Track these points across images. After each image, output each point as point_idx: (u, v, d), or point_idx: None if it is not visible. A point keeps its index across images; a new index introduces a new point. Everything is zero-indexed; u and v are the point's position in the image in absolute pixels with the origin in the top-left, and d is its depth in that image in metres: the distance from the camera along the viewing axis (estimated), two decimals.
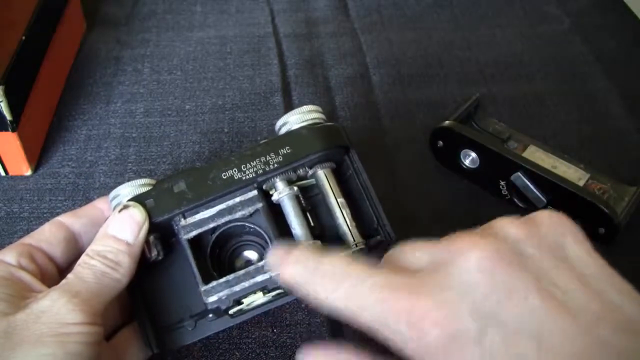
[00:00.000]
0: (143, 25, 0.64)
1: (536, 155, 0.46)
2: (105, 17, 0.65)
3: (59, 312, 0.29)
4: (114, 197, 0.35)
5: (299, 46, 0.62)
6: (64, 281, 0.31)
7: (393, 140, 0.52)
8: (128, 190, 0.35)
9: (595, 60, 0.61)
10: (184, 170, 0.34)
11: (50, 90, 0.53)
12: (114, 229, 0.33)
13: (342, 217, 0.34)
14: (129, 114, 0.54)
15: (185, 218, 0.34)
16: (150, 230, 0.33)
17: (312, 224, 0.34)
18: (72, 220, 0.36)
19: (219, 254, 0.36)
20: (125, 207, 0.33)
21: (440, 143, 0.49)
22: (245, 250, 0.36)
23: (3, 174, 0.49)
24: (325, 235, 0.35)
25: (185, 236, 0.33)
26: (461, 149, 0.48)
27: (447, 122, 0.48)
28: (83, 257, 0.32)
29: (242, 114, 0.55)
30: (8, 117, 0.44)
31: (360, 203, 0.35)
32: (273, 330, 0.40)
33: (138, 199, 0.34)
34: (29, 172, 0.49)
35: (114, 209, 0.34)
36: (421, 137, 0.51)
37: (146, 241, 0.34)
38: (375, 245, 0.34)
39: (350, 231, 0.33)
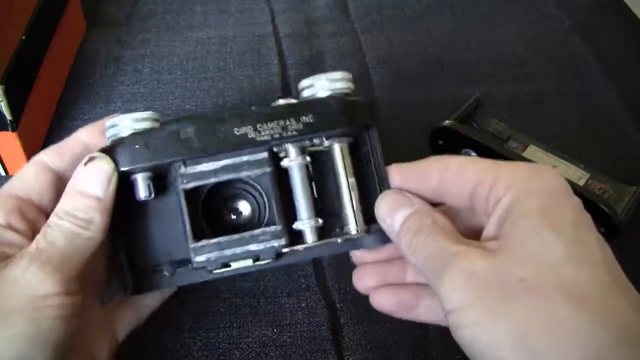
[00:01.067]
0: (143, 25, 0.64)
1: (536, 155, 0.47)
2: (105, 17, 0.65)
3: (30, 283, 0.27)
4: (111, 127, 0.32)
5: (299, 46, 0.62)
6: (33, 245, 0.29)
7: (393, 140, 0.52)
8: (127, 123, 0.32)
9: (595, 60, 0.61)
10: (194, 115, 0.32)
11: (50, 90, 0.53)
12: (81, 184, 0.30)
13: (349, 199, 0.32)
14: None
15: (185, 166, 0.32)
16: (144, 170, 0.32)
17: (316, 195, 0.33)
18: (55, 159, 0.33)
19: (212, 201, 0.34)
20: (91, 159, 0.31)
21: (441, 143, 0.49)
22: (239, 200, 0.34)
23: (3, 174, 0.49)
24: (327, 208, 0.33)
25: (182, 186, 0.31)
26: (461, 149, 0.48)
27: (447, 121, 0.48)
28: (52, 218, 0.30)
29: None
30: (8, 117, 0.44)
31: (370, 183, 0.33)
32: (273, 330, 0.40)
33: (140, 136, 0.31)
34: None
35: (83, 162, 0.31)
36: (421, 137, 0.51)
37: (137, 180, 0.32)
38: (377, 231, 0.32)
39: (355, 216, 0.32)
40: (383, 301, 0.34)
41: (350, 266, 0.43)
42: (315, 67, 0.59)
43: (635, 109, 0.56)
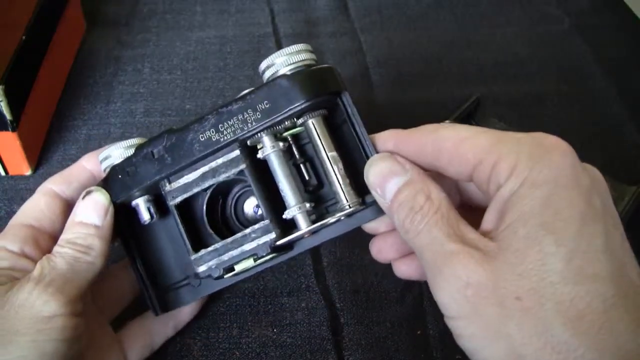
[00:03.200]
0: (143, 25, 0.64)
1: None
2: (105, 17, 0.65)
3: (34, 305, 0.28)
4: (105, 159, 0.34)
5: None
6: (37, 271, 0.30)
7: None
8: (119, 152, 0.34)
9: (595, 60, 0.61)
10: (163, 132, 0.33)
11: (50, 90, 0.53)
12: (80, 215, 0.32)
13: (334, 175, 0.31)
14: (129, 114, 0.54)
15: (170, 183, 0.32)
16: (140, 194, 0.33)
17: (306, 177, 0.32)
18: (63, 187, 0.35)
19: (223, 206, 0.34)
20: (88, 192, 0.33)
21: None
22: (248, 198, 0.34)
23: (3, 174, 0.49)
24: (324, 187, 0.33)
25: (172, 202, 0.32)
26: None
27: (447, 121, 0.48)
28: (55, 248, 0.31)
29: None
30: (8, 117, 0.44)
31: (355, 153, 0.32)
32: (273, 330, 0.40)
33: (121, 166, 0.33)
34: (29, 172, 0.49)
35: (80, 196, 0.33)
36: None
37: (138, 205, 0.33)
38: (372, 203, 0.31)
39: (343, 190, 0.30)
40: (407, 270, 0.33)
41: (350, 265, 0.43)
42: None
43: (635, 109, 0.56)
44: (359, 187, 0.31)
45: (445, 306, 0.26)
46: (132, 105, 0.55)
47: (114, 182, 0.33)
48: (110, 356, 0.35)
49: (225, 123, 0.31)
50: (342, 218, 0.31)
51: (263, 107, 0.30)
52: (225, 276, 0.32)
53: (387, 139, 0.30)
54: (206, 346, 0.39)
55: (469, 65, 0.60)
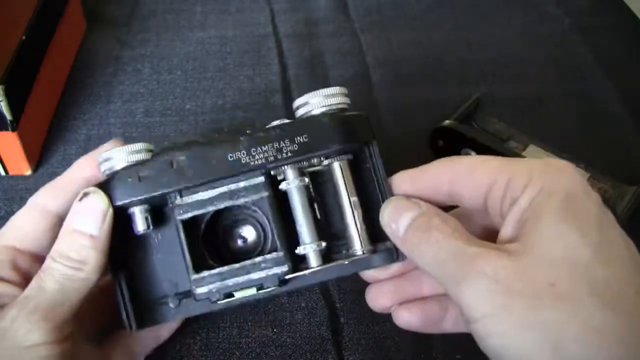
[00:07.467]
0: (143, 25, 0.64)
1: (536, 154, 0.47)
2: (105, 17, 0.65)
3: (16, 334, 0.27)
4: (105, 161, 0.32)
5: (299, 46, 0.62)
6: (25, 293, 0.28)
7: (393, 140, 0.52)
8: (121, 155, 0.31)
9: (595, 60, 0.61)
10: (186, 142, 0.31)
11: (50, 90, 0.53)
12: (76, 221, 0.30)
13: (352, 219, 0.31)
14: (129, 114, 0.54)
15: (181, 196, 0.31)
16: (141, 202, 0.31)
17: (318, 216, 0.32)
18: (54, 202, 0.32)
19: (215, 229, 0.33)
20: (85, 194, 0.30)
21: (441, 142, 0.49)
22: (244, 225, 0.34)
23: (3, 173, 0.49)
24: (331, 229, 0.33)
25: (180, 217, 0.31)
26: (461, 149, 0.48)
27: (447, 121, 0.48)
28: (46, 261, 0.29)
29: (242, 113, 0.55)
30: (8, 117, 0.44)
31: (374, 199, 0.32)
32: (273, 330, 0.40)
33: (133, 169, 0.31)
34: (29, 172, 0.49)
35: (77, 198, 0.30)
36: (421, 137, 0.51)
37: (134, 213, 0.31)
38: (384, 250, 0.32)
39: (359, 235, 0.31)
40: (410, 319, 0.32)
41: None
42: (315, 67, 0.59)
43: (635, 109, 0.56)
44: (372, 234, 0.32)
45: (472, 308, 0.25)
46: (132, 105, 0.55)
47: (119, 184, 0.31)
48: None
49: (259, 148, 0.31)
50: (347, 262, 0.32)
51: (301, 140, 0.31)
52: (221, 302, 0.31)
53: (402, 181, 0.31)
54: (206, 346, 0.39)
55: (469, 65, 0.60)
